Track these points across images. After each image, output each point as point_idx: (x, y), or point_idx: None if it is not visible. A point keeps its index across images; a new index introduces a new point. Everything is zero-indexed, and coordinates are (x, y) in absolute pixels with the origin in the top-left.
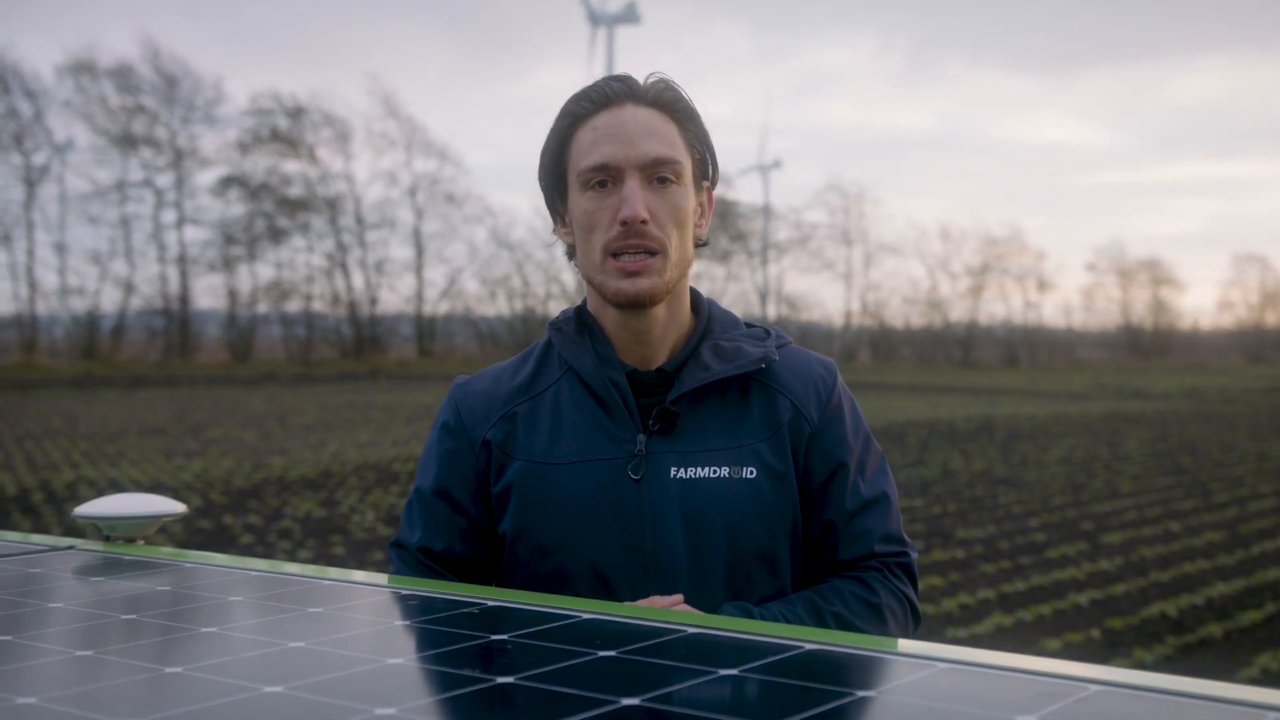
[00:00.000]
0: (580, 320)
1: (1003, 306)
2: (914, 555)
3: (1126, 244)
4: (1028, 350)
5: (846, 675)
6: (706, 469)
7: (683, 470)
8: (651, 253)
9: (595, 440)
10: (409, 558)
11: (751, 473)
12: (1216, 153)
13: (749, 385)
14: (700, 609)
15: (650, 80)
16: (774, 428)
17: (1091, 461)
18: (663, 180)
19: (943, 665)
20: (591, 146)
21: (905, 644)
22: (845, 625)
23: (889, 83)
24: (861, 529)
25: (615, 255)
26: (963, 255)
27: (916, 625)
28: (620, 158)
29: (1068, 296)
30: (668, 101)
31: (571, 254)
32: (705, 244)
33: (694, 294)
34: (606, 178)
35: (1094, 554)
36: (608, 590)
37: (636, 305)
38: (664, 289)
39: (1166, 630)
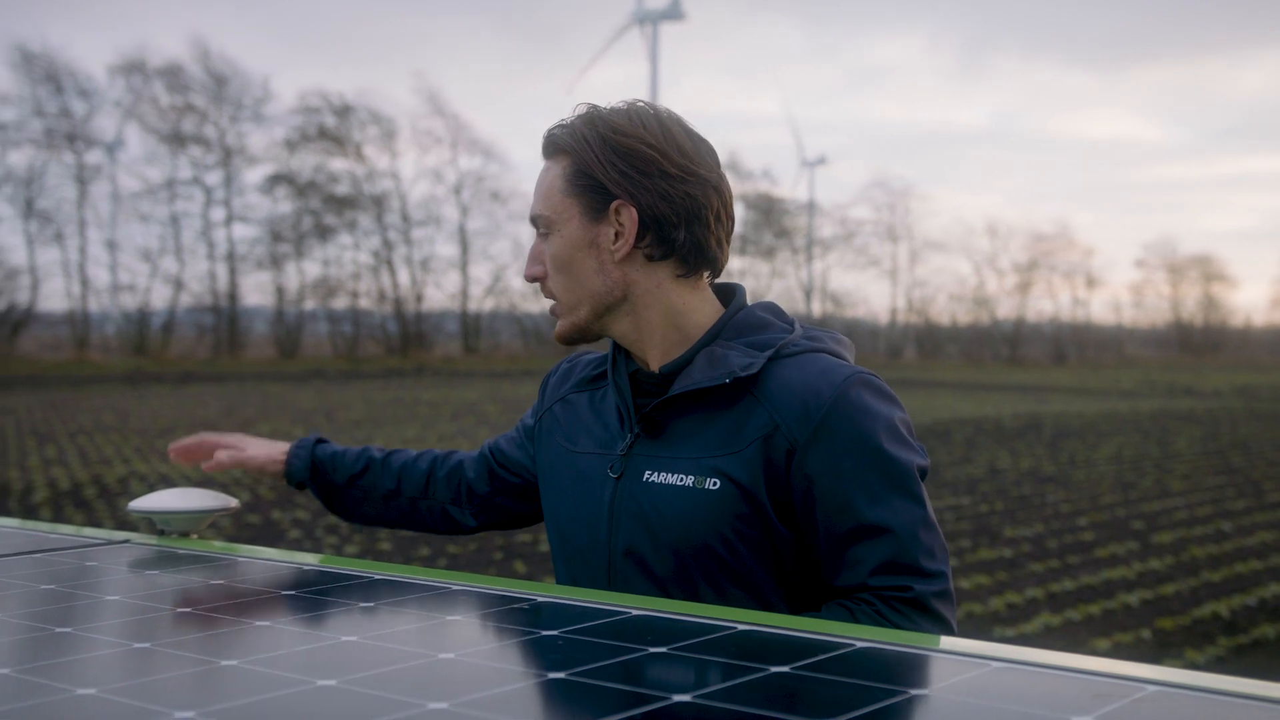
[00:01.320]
0: None
1: (1051, 303)
2: (929, 587)
3: (1177, 240)
4: (1076, 347)
5: (899, 673)
6: (674, 475)
7: (656, 475)
8: (554, 298)
9: (603, 436)
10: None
11: (715, 484)
12: (1275, 147)
13: (740, 397)
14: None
15: (571, 115)
16: (746, 441)
17: (1141, 460)
18: (543, 234)
19: (996, 664)
20: None
21: (958, 643)
22: None
23: (941, 78)
24: (854, 558)
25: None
26: (1010, 252)
27: None
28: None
29: (1117, 293)
30: (552, 147)
31: None
32: (666, 254)
33: (731, 293)
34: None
35: (1144, 553)
36: (578, 579)
37: (566, 343)
38: (570, 329)
39: (1218, 631)
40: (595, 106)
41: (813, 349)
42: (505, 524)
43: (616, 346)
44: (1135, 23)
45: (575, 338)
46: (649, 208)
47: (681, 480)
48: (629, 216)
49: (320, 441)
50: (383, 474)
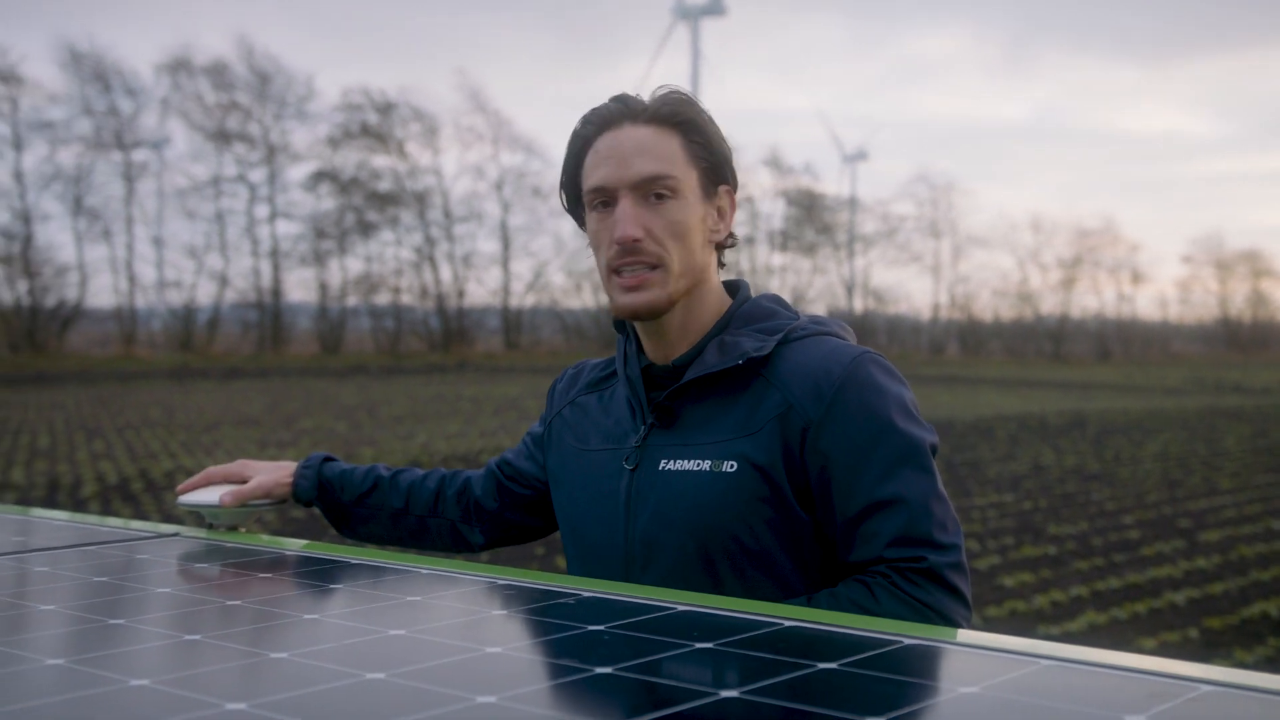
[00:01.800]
0: (619, 320)
1: (1095, 299)
2: (943, 558)
3: (1225, 235)
4: (1121, 344)
5: (947, 670)
6: (691, 462)
7: (672, 463)
8: (651, 267)
9: (616, 431)
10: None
11: (732, 466)
12: None
13: (752, 379)
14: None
15: (659, 93)
16: (761, 422)
17: (1188, 457)
18: (659, 196)
19: (1045, 662)
20: (592, 169)
21: (1007, 640)
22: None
23: (986, 73)
24: (868, 532)
25: (617, 272)
26: (1054, 247)
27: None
28: (614, 179)
29: (1163, 289)
30: (666, 115)
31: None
32: (731, 245)
33: (736, 286)
34: (606, 199)
35: (1191, 552)
36: (596, 573)
37: (635, 317)
38: (665, 300)
39: (1268, 630)
40: (683, 90)
41: (820, 332)
42: (513, 539)
43: (627, 339)
44: (1182, 16)
45: (662, 308)
46: (736, 202)
47: (698, 465)
48: (730, 203)
49: (327, 460)
50: (390, 493)
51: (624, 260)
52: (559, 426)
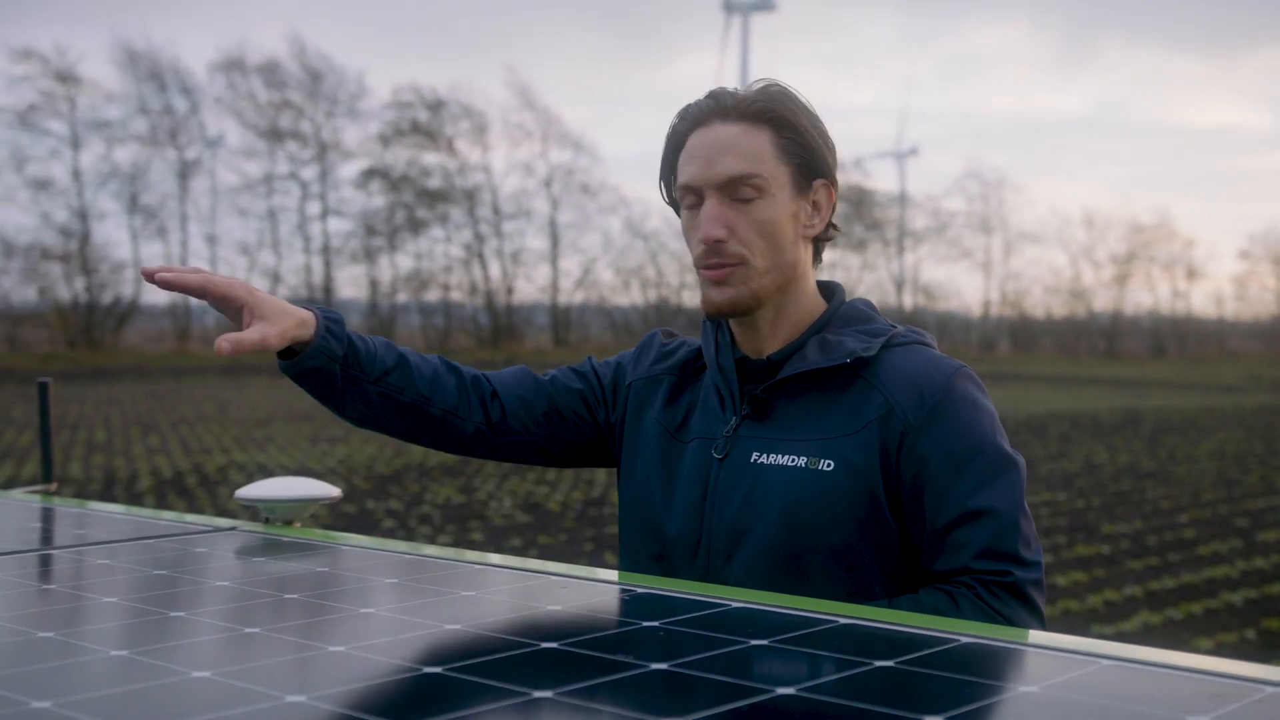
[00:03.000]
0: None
1: (1149, 296)
2: (1027, 575)
3: None
4: (1176, 341)
5: (1005, 669)
6: (786, 457)
7: (764, 456)
8: (735, 265)
9: (704, 420)
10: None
11: (829, 465)
12: None
13: (853, 381)
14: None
15: (755, 87)
16: (861, 423)
17: (1245, 456)
18: (745, 196)
19: (1105, 662)
20: (682, 167)
21: (1065, 639)
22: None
23: (1042, 66)
24: (957, 541)
25: (705, 269)
26: (1107, 243)
27: None
28: (700, 179)
29: (1219, 285)
30: (756, 111)
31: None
32: (829, 239)
33: (832, 289)
34: (695, 197)
35: (1248, 552)
36: (663, 559)
37: (721, 314)
38: (749, 297)
39: None
40: (781, 83)
41: (918, 341)
42: (517, 459)
43: (719, 329)
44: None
45: (748, 307)
46: (834, 194)
47: (794, 461)
48: (827, 196)
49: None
50: (416, 378)
51: (710, 260)
52: (642, 390)
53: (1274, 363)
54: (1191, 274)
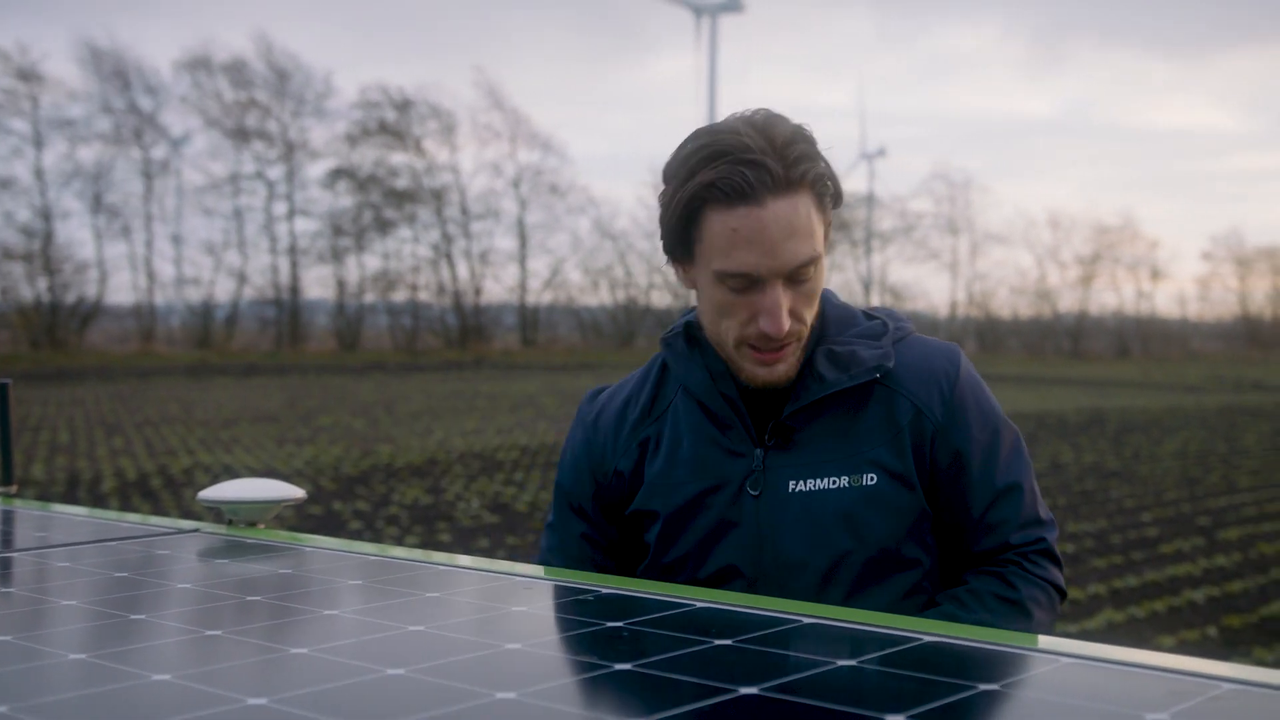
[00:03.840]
0: (689, 335)
1: (1114, 296)
2: (1052, 536)
3: (1245, 232)
4: (1140, 341)
5: (968, 668)
6: (826, 480)
7: (802, 483)
8: (789, 344)
9: (713, 457)
10: (570, 538)
11: (872, 479)
12: None
13: (870, 389)
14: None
15: (773, 134)
16: (894, 431)
17: (1208, 455)
18: (806, 279)
19: (1067, 660)
20: (730, 248)
21: (1027, 637)
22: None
23: (1014, 68)
24: (996, 520)
25: (753, 347)
26: (1073, 244)
27: (1063, 601)
28: (764, 269)
29: (1183, 286)
30: (798, 177)
31: (690, 285)
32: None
33: None
34: (746, 283)
35: (1210, 550)
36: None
37: (769, 389)
38: (797, 367)
39: None
40: (784, 117)
41: (909, 331)
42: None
43: (707, 355)
44: (1218, 8)
45: (793, 376)
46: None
47: (835, 483)
48: (829, 230)
49: None
50: None
51: (770, 345)
52: (630, 474)
53: (1235, 363)
54: (1155, 275)
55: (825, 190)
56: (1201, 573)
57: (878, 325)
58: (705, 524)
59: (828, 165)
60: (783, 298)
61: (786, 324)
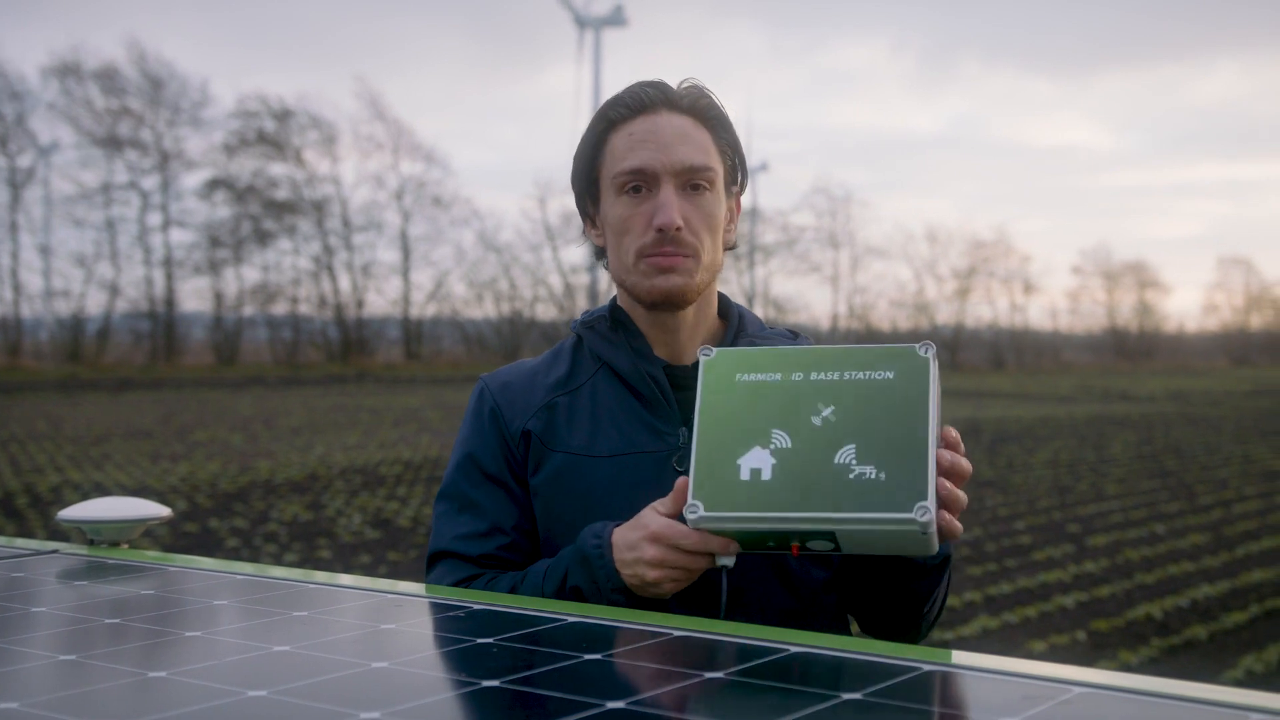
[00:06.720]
0: (614, 318)
1: (989, 309)
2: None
3: (1113, 247)
4: (1014, 353)
5: (830, 678)
6: None
7: None
8: (685, 256)
9: (636, 434)
10: (472, 550)
11: None
12: (1229, 155)
13: None
14: (748, 599)
15: (684, 86)
16: None
17: (1077, 464)
18: (696, 187)
19: (927, 667)
20: (627, 151)
21: (889, 646)
22: None
23: (902, 84)
24: None
25: (648, 256)
26: (950, 258)
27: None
28: (656, 164)
29: (1055, 299)
30: (702, 108)
31: (600, 254)
32: (734, 247)
33: (723, 299)
34: (641, 183)
35: (1080, 556)
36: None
37: (668, 302)
38: (694, 290)
39: (1151, 632)
40: (707, 87)
41: (797, 334)
42: None
43: (630, 334)
44: (1099, 29)
45: (691, 296)
46: (740, 205)
47: None
48: (737, 206)
49: None
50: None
51: (663, 247)
52: (540, 437)
53: (1104, 373)
54: (1028, 288)
55: (723, 138)
56: (1071, 579)
57: (786, 332)
58: (630, 499)
59: (736, 137)
60: (675, 197)
61: (679, 220)
